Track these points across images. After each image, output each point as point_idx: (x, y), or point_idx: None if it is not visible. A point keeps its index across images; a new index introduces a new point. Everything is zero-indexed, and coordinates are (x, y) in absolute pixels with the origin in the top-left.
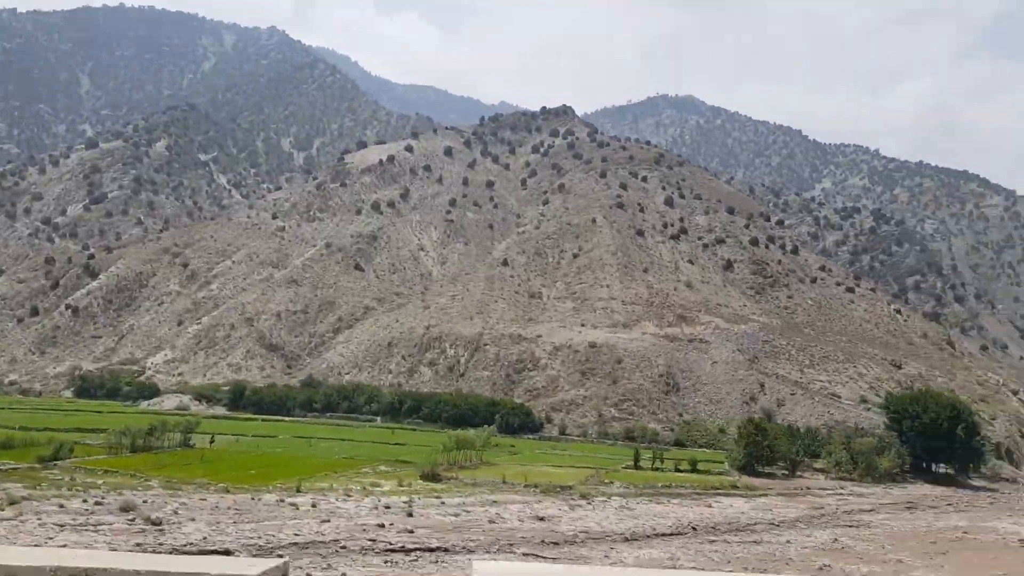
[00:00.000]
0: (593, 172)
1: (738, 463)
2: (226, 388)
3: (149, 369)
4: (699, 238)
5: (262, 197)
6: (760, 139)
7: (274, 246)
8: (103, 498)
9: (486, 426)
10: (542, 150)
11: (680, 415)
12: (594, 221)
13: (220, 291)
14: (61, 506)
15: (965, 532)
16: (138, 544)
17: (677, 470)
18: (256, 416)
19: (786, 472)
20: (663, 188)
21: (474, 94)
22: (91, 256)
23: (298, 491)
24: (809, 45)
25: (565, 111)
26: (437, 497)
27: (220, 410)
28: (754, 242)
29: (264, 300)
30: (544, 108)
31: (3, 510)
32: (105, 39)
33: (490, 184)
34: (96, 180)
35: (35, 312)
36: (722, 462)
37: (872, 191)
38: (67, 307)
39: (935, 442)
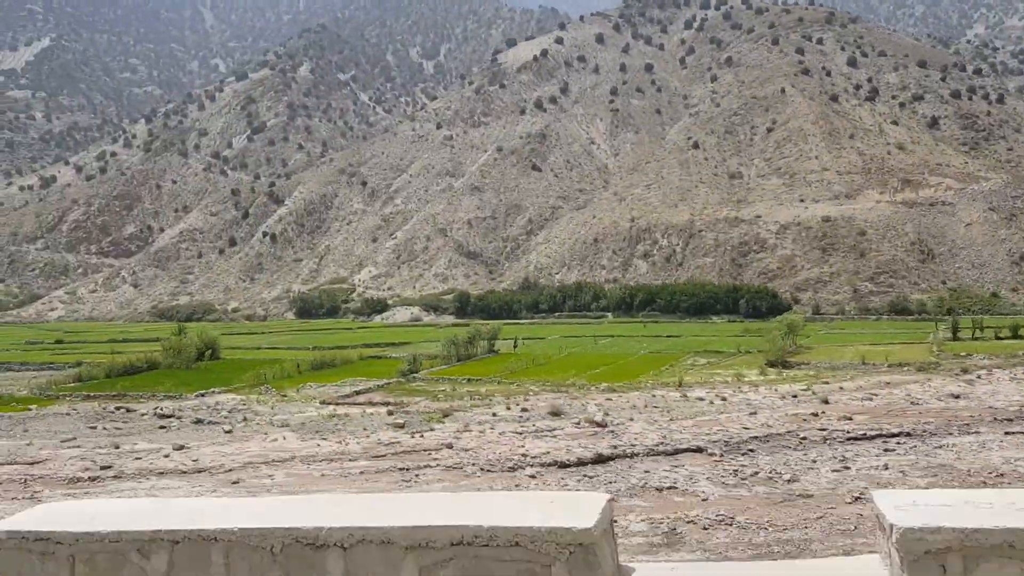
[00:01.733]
0: (764, 41)
1: None
2: (448, 297)
3: (359, 286)
4: (893, 97)
5: (421, 108)
6: None
7: (446, 155)
8: (520, 405)
9: (792, 309)
10: (695, 25)
11: (943, 283)
12: (783, 91)
13: (405, 205)
14: (494, 415)
15: None
16: (614, 446)
17: (997, 338)
18: (487, 320)
19: None
20: (842, 49)
21: None
22: (272, 184)
23: (680, 385)
24: None
25: None
26: (825, 383)
27: (448, 318)
28: (956, 95)
29: (451, 210)
30: None
31: (443, 423)
32: None
33: (649, 68)
34: (253, 110)
35: (233, 242)
36: None
37: None
38: (264, 234)
39: None
